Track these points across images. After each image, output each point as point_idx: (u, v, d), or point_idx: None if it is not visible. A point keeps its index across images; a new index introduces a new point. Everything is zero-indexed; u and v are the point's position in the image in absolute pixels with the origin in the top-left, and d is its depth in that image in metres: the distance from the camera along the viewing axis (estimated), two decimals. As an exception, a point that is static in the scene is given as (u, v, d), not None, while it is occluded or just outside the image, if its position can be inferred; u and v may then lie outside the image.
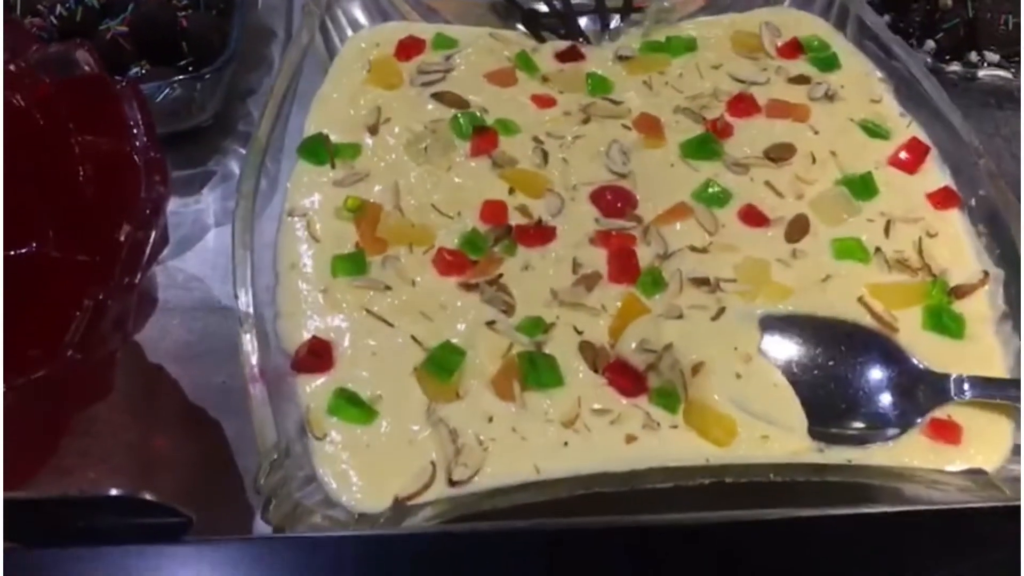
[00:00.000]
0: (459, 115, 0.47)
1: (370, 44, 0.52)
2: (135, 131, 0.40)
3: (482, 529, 0.34)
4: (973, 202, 0.44)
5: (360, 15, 0.53)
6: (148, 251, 0.38)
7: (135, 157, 0.39)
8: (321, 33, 0.52)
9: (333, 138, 0.47)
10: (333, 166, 0.46)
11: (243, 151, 0.59)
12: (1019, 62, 0.63)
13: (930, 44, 0.63)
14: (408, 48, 0.52)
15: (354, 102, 0.49)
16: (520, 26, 0.54)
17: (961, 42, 0.63)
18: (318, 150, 0.46)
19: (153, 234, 0.39)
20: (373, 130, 0.48)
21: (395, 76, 0.50)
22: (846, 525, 0.33)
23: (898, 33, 0.64)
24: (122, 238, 0.37)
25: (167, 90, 0.53)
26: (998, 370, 0.40)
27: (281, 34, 0.66)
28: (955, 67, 0.61)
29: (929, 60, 0.62)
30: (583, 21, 0.54)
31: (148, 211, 0.39)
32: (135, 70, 0.54)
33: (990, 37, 0.62)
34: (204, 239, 0.54)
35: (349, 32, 0.53)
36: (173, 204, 0.56)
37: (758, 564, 0.32)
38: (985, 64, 0.62)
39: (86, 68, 0.44)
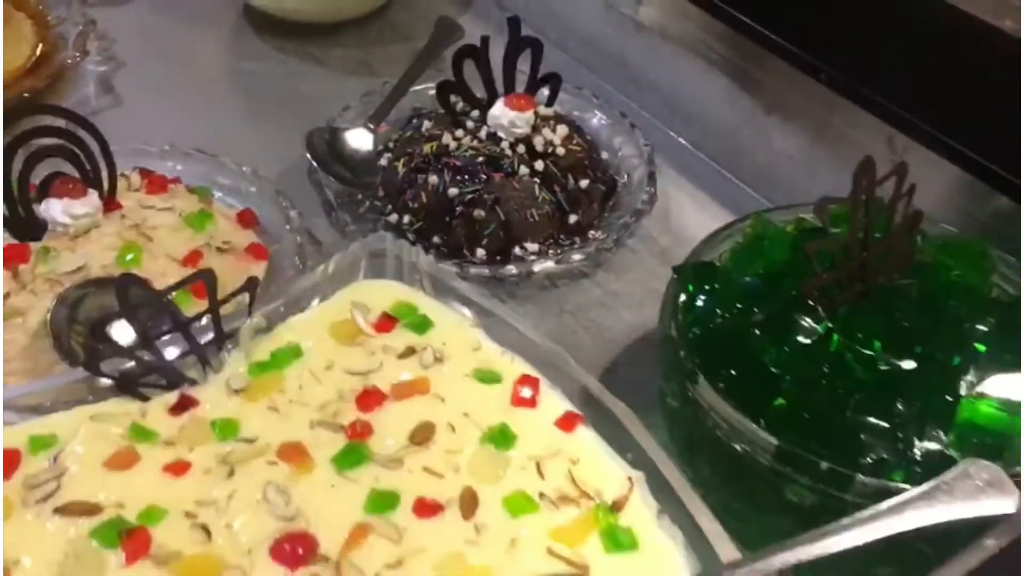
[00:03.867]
0: (100, 526, 0.44)
1: (-46, 474, 0.46)
2: None
3: None
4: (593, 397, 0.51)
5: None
6: None
7: None
8: None
9: (-42, 612, 0.41)
10: (-28, 646, 0.40)
11: None
12: (554, 244, 0.73)
13: (480, 252, 0.71)
14: (7, 462, 0.47)
15: (-38, 557, 0.43)
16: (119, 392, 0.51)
17: (503, 242, 0.71)
18: (-55, 635, 0.40)
19: None
20: (4, 580, 0.42)
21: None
22: None
23: (450, 252, 0.71)
24: None
25: None
26: (675, 561, 0.45)
27: None
28: (512, 269, 0.70)
29: (487, 270, 0.70)
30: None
31: None
32: None
33: (524, 232, 0.72)
34: None
35: (-79, 468, 0.46)
36: None
37: None
38: (528, 253, 0.72)
39: None
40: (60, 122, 0.65)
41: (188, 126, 0.81)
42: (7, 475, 0.46)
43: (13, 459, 0.47)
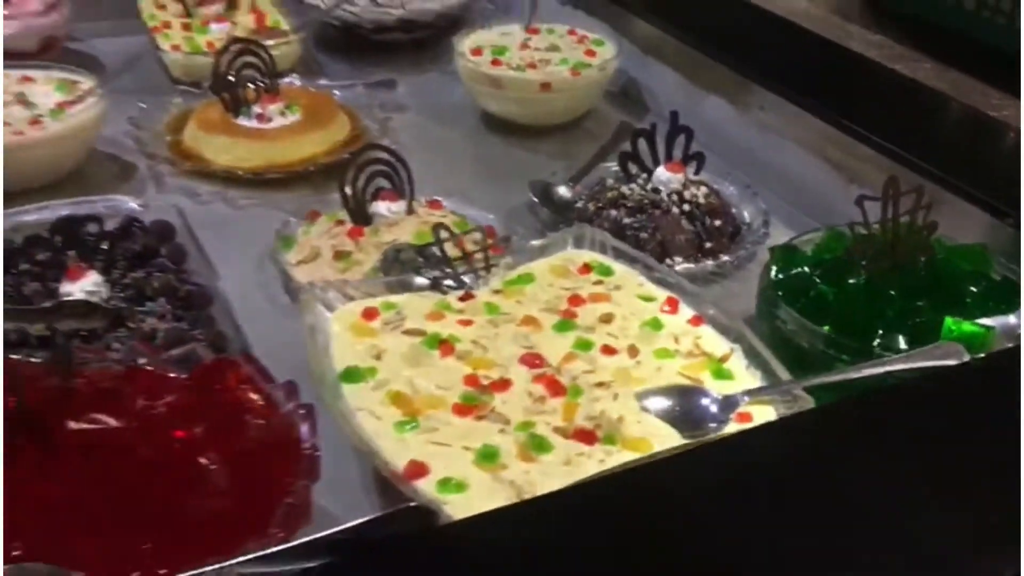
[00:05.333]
0: (425, 338, 0.79)
1: (345, 316, 0.83)
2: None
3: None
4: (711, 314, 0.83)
5: (327, 305, 0.84)
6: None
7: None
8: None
9: (358, 366, 0.76)
10: (365, 381, 0.75)
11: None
12: (694, 261, 1.06)
13: (643, 260, 1.05)
14: (370, 314, 0.83)
15: (355, 348, 0.79)
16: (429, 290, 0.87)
17: (659, 256, 1.05)
18: (352, 375, 0.75)
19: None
20: (378, 357, 0.78)
21: (370, 331, 0.81)
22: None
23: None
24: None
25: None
26: (755, 384, 0.76)
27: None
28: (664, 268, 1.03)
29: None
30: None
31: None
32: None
33: (673, 250, 1.05)
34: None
35: (327, 313, 0.83)
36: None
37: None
38: (676, 263, 1.05)
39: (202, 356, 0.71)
40: (385, 156, 1.05)
41: (445, 182, 1.19)
42: (372, 318, 0.82)
43: (374, 312, 0.83)
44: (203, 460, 0.60)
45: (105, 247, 0.92)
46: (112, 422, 0.61)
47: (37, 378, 0.63)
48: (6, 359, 0.62)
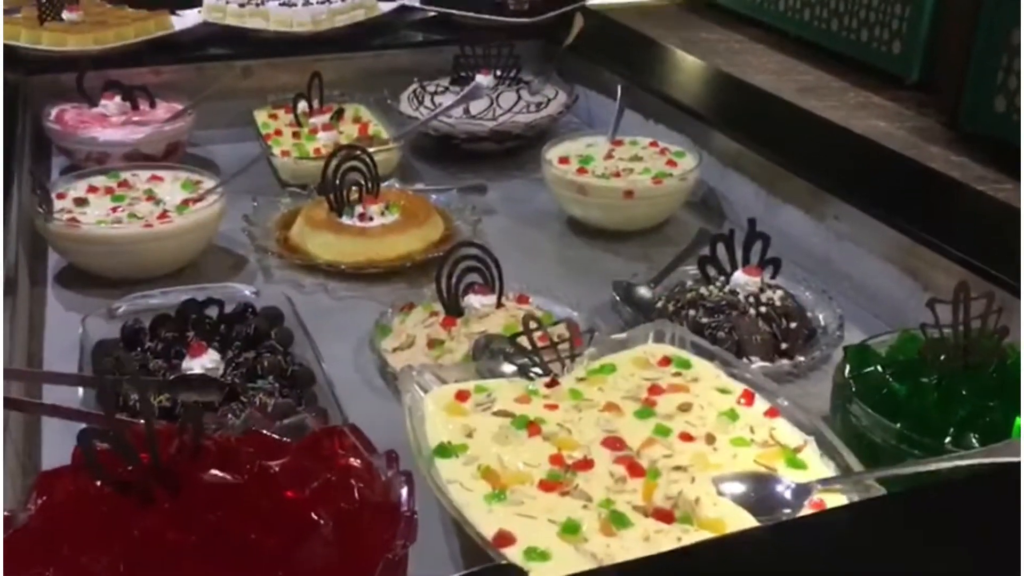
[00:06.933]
0: (514, 419, 0.85)
1: (439, 397, 0.89)
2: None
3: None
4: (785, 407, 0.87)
5: (423, 386, 0.90)
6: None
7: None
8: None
9: (451, 442, 0.82)
10: (457, 456, 0.81)
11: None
12: (770, 361, 1.10)
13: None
14: (462, 396, 0.89)
15: (448, 427, 0.85)
16: (517, 377, 0.93)
17: (736, 355, 1.09)
18: (445, 450, 0.81)
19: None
20: (469, 435, 0.83)
21: (462, 411, 0.87)
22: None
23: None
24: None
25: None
26: (827, 474, 0.79)
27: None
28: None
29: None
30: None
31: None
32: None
33: (750, 350, 1.10)
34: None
35: (422, 393, 0.89)
36: None
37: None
38: (752, 362, 1.09)
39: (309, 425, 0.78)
40: (477, 252, 1.13)
41: (532, 280, 1.26)
42: (464, 399, 0.88)
43: (466, 394, 0.89)
44: (313, 516, 0.66)
45: (222, 329, 1.01)
46: (233, 478, 0.68)
47: (169, 437, 0.70)
48: (145, 422, 0.69)
